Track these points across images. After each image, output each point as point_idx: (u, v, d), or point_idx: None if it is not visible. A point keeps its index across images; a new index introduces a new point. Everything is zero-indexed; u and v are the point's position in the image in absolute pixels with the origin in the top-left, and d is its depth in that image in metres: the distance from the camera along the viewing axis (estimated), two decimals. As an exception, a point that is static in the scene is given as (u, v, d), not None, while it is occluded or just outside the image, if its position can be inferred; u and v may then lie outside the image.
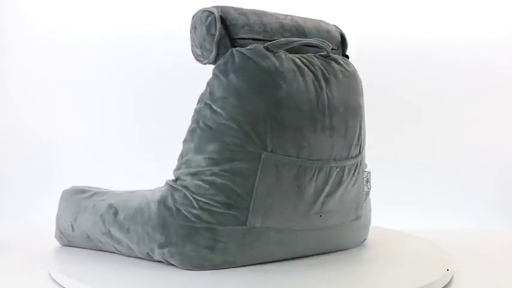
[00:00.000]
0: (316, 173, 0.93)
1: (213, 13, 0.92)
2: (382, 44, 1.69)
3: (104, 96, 1.75)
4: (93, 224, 0.98)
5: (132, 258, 0.96)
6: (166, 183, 0.94)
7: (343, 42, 1.09)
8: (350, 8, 1.69)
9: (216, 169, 0.88)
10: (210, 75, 0.94)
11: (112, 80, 1.75)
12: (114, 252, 0.98)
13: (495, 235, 1.35)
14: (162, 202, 0.90)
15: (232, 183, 0.87)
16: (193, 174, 0.89)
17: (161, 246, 0.89)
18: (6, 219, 1.62)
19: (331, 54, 1.01)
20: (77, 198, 1.04)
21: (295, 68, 0.92)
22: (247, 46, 0.92)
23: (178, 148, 0.94)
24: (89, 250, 1.04)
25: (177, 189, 0.91)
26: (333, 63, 1.00)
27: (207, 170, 0.88)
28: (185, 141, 0.93)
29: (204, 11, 0.94)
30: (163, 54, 1.73)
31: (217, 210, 0.87)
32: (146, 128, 1.74)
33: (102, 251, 1.00)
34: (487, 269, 1.00)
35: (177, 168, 0.93)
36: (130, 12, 1.73)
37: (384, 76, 1.68)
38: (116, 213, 0.95)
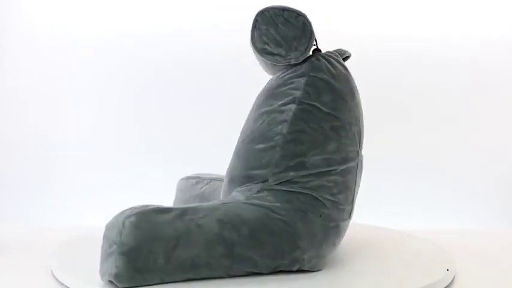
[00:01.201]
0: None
1: (301, 15, 0.92)
2: (382, 44, 1.69)
3: (104, 96, 1.75)
4: (206, 246, 0.83)
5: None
6: (267, 189, 0.90)
7: None
8: (350, 8, 1.69)
9: (337, 168, 0.91)
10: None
11: (112, 80, 1.75)
12: (213, 278, 0.84)
13: (495, 235, 1.35)
14: (290, 207, 0.88)
15: (347, 181, 0.92)
16: (315, 175, 0.89)
17: (303, 252, 0.87)
18: (6, 219, 1.62)
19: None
20: (164, 220, 0.82)
21: None
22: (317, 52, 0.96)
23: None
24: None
25: (299, 192, 0.89)
26: None
27: (330, 170, 0.90)
28: (288, 142, 0.90)
29: (285, 9, 0.92)
30: (163, 54, 1.73)
31: (341, 207, 0.92)
32: (146, 128, 1.74)
33: (201, 279, 0.84)
34: (487, 269, 1.00)
35: (283, 170, 0.90)
36: (130, 12, 1.73)
37: (384, 76, 1.68)
38: (237, 229, 0.84)
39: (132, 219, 0.80)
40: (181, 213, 0.84)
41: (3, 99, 1.74)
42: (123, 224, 0.80)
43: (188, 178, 1.31)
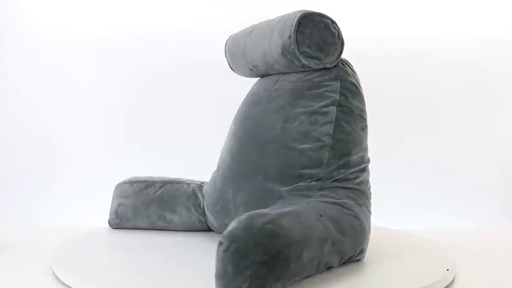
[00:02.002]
0: None
1: (334, 22, 0.96)
2: (382, 44, 1.70)
3: (104, 96, 1.75)
4: (320, 246, 0.83)
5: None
6: (325, 187, 0.93)
7: None
8: (350, 8, 1.69)
9: (367, 164, 1.00)
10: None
11: (112, 80, 1.75)
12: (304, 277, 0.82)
13: (495, 235, 1.34)
14: (353, 203, 0.94)
15: (369, 175, 1.01)
16: (358, 172, 0.97)
17: (366, 243, 0.94)
18: (6, 219, 1.62)
19: None
20: (288, 224, 0.79)
21: None
22: None
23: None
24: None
25: (352, 188, 0.96)
26: None
27: (365, 166, 0.99)
28: (336, 142, 0.95)
29: (321, 15, 0.95)
30: (163, 54, 1.73)
31: (371, 199, 1.00)
32: (146, 128, 1.74)
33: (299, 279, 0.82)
34: (487, 269, 1.00)
35: (335, 169, 0.95)
36: (130, 12, 1.73)
37: (384, 76, 1.69)
38: (332, 226, 0.86)
39: (270, 226, 0.75)
40: (296, 215, 0.82)
41: (3, 99, 1.74)
42: (260, 232, 0.74)
43: (132, 183, 1.25)
